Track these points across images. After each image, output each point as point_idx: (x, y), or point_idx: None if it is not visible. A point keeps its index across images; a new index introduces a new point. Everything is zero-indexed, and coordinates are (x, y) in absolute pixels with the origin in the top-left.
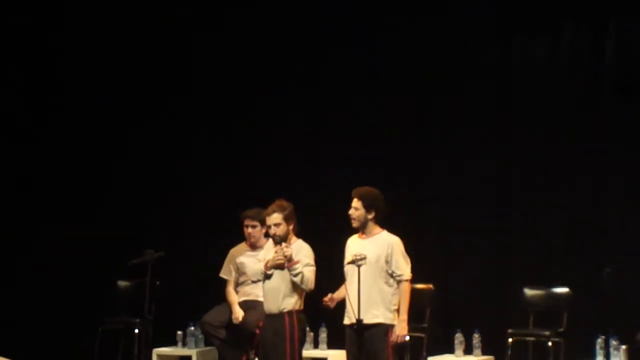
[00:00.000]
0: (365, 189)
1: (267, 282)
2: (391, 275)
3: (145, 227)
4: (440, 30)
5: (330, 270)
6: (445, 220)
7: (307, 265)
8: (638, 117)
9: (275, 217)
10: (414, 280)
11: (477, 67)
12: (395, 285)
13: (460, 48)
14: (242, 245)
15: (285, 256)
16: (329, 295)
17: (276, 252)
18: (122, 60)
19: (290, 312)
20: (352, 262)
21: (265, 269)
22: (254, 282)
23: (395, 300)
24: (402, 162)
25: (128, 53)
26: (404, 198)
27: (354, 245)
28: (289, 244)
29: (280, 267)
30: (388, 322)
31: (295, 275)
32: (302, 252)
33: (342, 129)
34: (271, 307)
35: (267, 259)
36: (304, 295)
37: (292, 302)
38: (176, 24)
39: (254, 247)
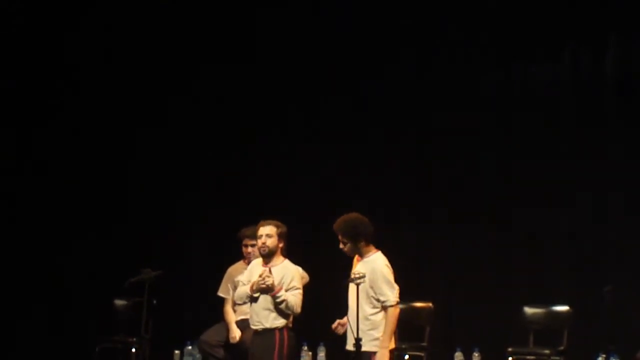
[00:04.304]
0: (344, 221)
1: (254, 304)
2: (378, 301)
3: (143, 245)
4: None
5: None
6: (446, 238)
7: (291, 289)
8: (638, 135)
9: (269, 229)
10: (413, 298)
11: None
12: (381, 309)
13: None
14: (240, 264)
15: (267, 285)
16: (337, 322)
17: (260, 275)
18: (129, 77)
19: (281, 329)
20: (351, 280)
21: (251, 292)
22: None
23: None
24: (403, 181)
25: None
26: (404, 217)
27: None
28: (275, 264)
29: (265, 291)
30: (374, 349)
31: (279, 303)
32: (287, 274)
33: (341, 151)
34: (262, 324)
35: (251, 280)
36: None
37: (283, 321)
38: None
39: None
